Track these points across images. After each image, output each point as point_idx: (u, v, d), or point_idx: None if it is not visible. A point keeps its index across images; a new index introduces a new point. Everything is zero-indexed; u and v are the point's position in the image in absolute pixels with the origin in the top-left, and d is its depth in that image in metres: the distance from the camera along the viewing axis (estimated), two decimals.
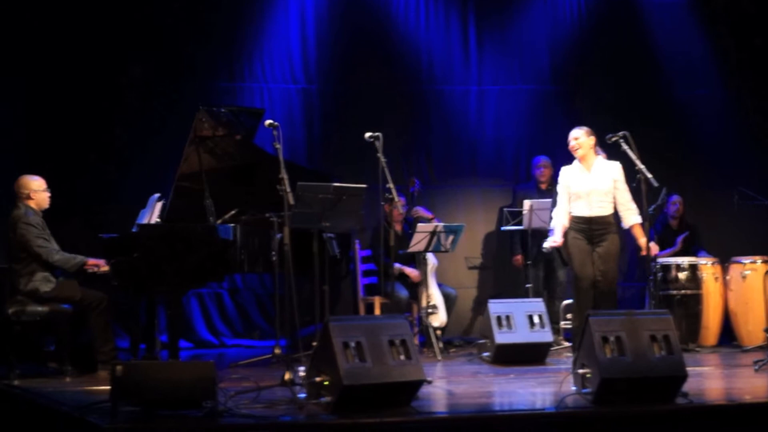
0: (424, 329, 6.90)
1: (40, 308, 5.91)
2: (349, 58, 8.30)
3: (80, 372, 5.94)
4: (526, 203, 7.06)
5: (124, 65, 7.82)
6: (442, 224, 6.83)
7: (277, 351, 6.52)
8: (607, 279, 6.19)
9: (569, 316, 6.93)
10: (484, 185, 8.34)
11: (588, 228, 6.26)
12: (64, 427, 4.63)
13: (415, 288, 7.23)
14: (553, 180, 7.56)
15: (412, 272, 7.26)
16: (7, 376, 5.65)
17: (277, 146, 5.40)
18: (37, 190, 6.12)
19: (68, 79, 7.61)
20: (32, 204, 6.10)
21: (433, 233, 6.76)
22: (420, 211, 7.35)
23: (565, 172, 6.42)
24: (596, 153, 6.38)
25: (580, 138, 6.33)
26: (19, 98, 7.50)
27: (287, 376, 5.08)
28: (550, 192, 7.43)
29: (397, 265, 6.81)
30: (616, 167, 6.33)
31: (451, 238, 6.83)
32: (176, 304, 5.85)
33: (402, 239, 7.23)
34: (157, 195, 6.35)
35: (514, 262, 7.80)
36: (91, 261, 6.04)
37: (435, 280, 7.32)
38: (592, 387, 4.62)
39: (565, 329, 7.17)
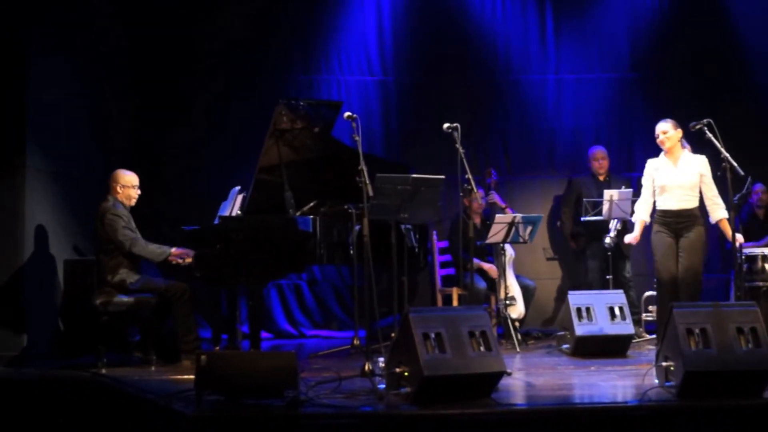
0: (502, 321, 6.88)
1: (125, 299, 6.07)
2: (425, 50, 8.30)
3: (164, 361, 6.10)
4: (607, 193, 6.96)
5: (201, 60, 7.98)
6: (520, 215, 6.78)
7: (356, 342, 6.58)
8: (691, 272, 6.08)
9: (651, 307, 6.82)
10: (561, 176, 8.23)
11: (674, 221, 6.16)
12: (150, 414, 4.75)
13: (493, 280, 7.21)
14: (610, 171, 7.51)
15: (489, 268, 7.24)
16: (95, 364, 5.83)
17: (357, 138, 5.44)
18: (125, 185, 6.28)
19: (151, 75, 7.83)
20: (122, 198, 6.27)
21: (512, 224, 6.72)
22: (495, 197, 7.32)
23: (651, 165, 6.34)
24: (682, 146, 6.27)
25: (668, 132, 6.22)
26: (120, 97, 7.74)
27: (367, 366, 5.13)
28: (608, 183, 7.36)
29: (475, 261, 6.80)
30: (702, 161, 6.22)
31: (529, 229, 6.78)
32: (257, 295, 5.95)
33: (480, 231, 7.21)
34: (237, 188, 6.47)
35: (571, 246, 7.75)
36: (176, 251, 6.15)
37: (513, 271, 7.29)
38: (676, 380, 4.55)
39: (646, 321, 7.05)
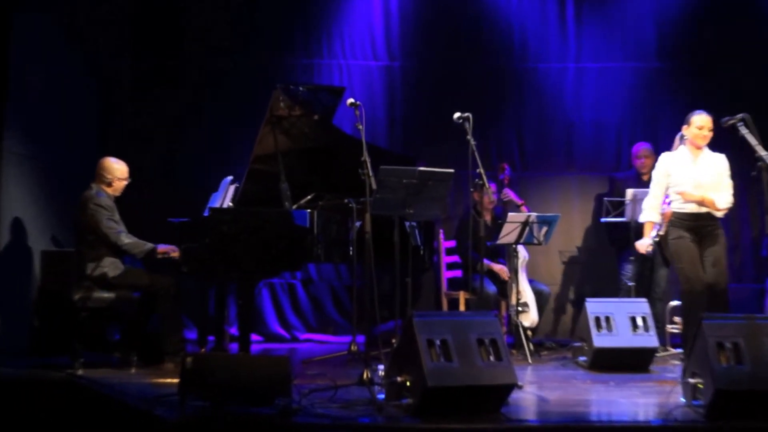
0: (513, 329, 6.80)
1: (106, 295, 6.04)
2: (434, 33, 8.24)
3: (146, 363, 6.07)
4: (629, 192, 6.89)
5: (192, 38, 7.94)
6: (535, 214, 6.71)
7: (353, 348, 6.53)
8: (721, 280, 5.98)
9: (677, 319, 6.73)
10: (581, 172, 8.18)
11: (695, 225, 6.04)
12: (129, 419, 4.70)
13: (504, 284, 7.13)
14: None
15: (500, 269, 7.16)
16: (72, 365, 5.79)
17: (360, 127, 5.41)
18: (120, 178, 6.27)
19: (141, 51, 7.82)
20: (108, 190, 6.24)
21: (526, 224, 6.64)
22: (509, 194, 7.24)
23: (666, 159, 6.19)
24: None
25: (711, 126, 6.09)
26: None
27: (365, 374, 5.09)
28: None
29: (485, 262, 6.72)
30: (722, 160, 6.12)
31: (544, 229, 6.70)
32: (248, 294, 5.90)
33: (491, 230, 7.14)
34: (229, 178, 6.45)
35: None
36: (162, 248, 6.14)
37: (526, 275, 7.21)
38: (705, 399, 4.48)
39: (671, 333, 6.97)
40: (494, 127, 8.15)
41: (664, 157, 6.22)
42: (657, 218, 6.20)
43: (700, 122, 6.08)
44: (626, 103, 8.25)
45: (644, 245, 6.27)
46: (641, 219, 6.32)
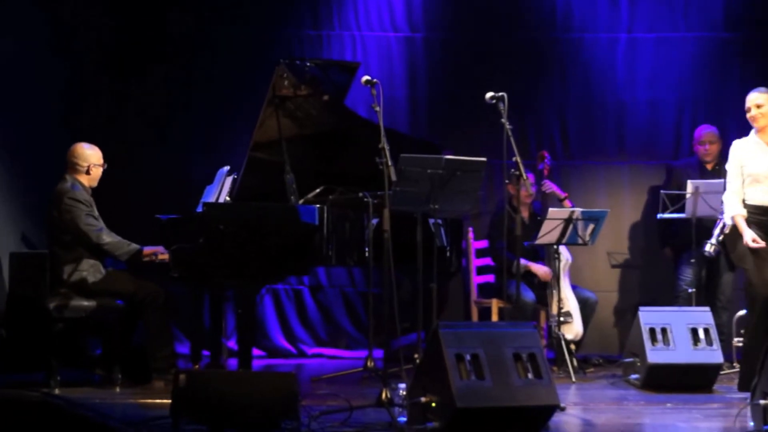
0: (554, 342, 6.87)
1: (86, 303, 6.13)
2: (464, 0, 8.28)
3: (132, 381, 6.17)
4: (690, 184, 6.92)
5: (184, 12, 8.02)
6: (579, 210, 6.77)
7: (370, 364, 6.60)
8: None
9: (744, 331, 6.78)
10: (633, 160, 8.21)
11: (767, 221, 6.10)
12: None
13: (544, 290, 7.21)
14: (723, 158, 7.38)
15: (540, 269, 7.24)
16: (47, 383, 5.90)
17: (377, 109, 5.47)
18: (96, 164, 6.36)
19: (122, 27, 7.91)
20: (84, 180, 6.34)
21: (569, 221, 6.71)
22: (550, 186, 7.30)
23: (738, 147, 6.26)
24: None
25: (764, 105, 6.15)
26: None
27: (384, 394, 5.15)
28: (718, 173, 7.27)
29: (522, 262, 6.81)
30: None
31: (590, 227, 6.77)
32: (249, 303, 5.99)
33: (529, 228, 7.20)
34: (226, 168, 6.50)
35: (666, 253, 7.73)
36: (148, 250, 6.22)
37: (569, 280, 7.28)
38: None
39: (739, 348, 7.02)
40: (532, 109, 8.18)
41: (735, 144, 6.27)
42: (743, 211, 6.16)
43: (747, 101, 6.16)
44: (687, 80, 8.26)
45: (753, 238, 6.01)
46: (726, 217, 6.28)
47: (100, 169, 6.39)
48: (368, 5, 8.30)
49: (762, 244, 6.05)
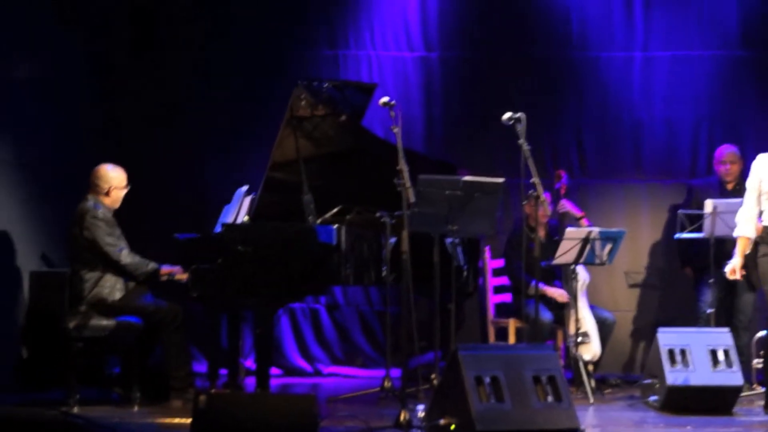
0: (572, 363, 6.86)
1: (105, 322, 6.16)
2: (478, 19, 8.29)
3: (150, 400, 6.19)
4: (708, 204, 6.91)
5: (196, 24, 8.08)
6: (597, 229, 6.77)
7: (387, 384, 6.60)
8: None
9: (764, 352, 6.76)
10: (651, 179, 8.19)
11: None
12: None
13: (561, 310, 7.19)
14: (743, 178, 7.36)
15: (555, 292, 7.22)
16: (66, 401, 5.92)
17: (395, 130, 5.49)
18: (118, 186, 6.40)
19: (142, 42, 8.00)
20: (106, 201, 6.37)
21: (586, 241, 6.70)
22: (567, 206, 7.30)
23: (760, 162, 6.20)
24: None
25: None
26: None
27: (402, 416, 5.14)
28: (739, 193, 7.23)
29: (540, 286, 6.82)
30: None
31: (608, 247, 6.76)
32: (267, 323, 6.01)
33: (546, 248, 7.19)
34: (245, 188, 6.52)
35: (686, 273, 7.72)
36: (165, 269, 6.26)
37: (587, 300, 7.27)
38: None
39: (758, 369, 7.00)
40: (548, 127, 8.16)
41: (759, 159, 6.22)
42: (752, 233, 6.18)
43: None
44: (704, 98, 8.23)
45: (734, 267, 6.20)
46: (735, 234, 6.32)
47: (122, 192, 6.41)
48: (384, 25, 8.33)
49: (737, 276, 6.17)
